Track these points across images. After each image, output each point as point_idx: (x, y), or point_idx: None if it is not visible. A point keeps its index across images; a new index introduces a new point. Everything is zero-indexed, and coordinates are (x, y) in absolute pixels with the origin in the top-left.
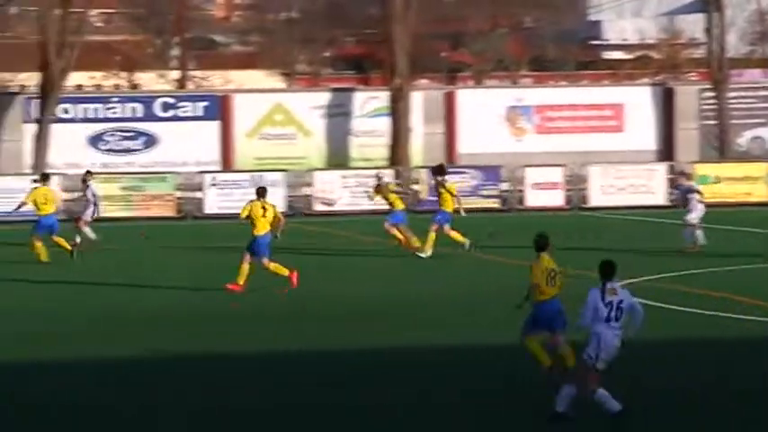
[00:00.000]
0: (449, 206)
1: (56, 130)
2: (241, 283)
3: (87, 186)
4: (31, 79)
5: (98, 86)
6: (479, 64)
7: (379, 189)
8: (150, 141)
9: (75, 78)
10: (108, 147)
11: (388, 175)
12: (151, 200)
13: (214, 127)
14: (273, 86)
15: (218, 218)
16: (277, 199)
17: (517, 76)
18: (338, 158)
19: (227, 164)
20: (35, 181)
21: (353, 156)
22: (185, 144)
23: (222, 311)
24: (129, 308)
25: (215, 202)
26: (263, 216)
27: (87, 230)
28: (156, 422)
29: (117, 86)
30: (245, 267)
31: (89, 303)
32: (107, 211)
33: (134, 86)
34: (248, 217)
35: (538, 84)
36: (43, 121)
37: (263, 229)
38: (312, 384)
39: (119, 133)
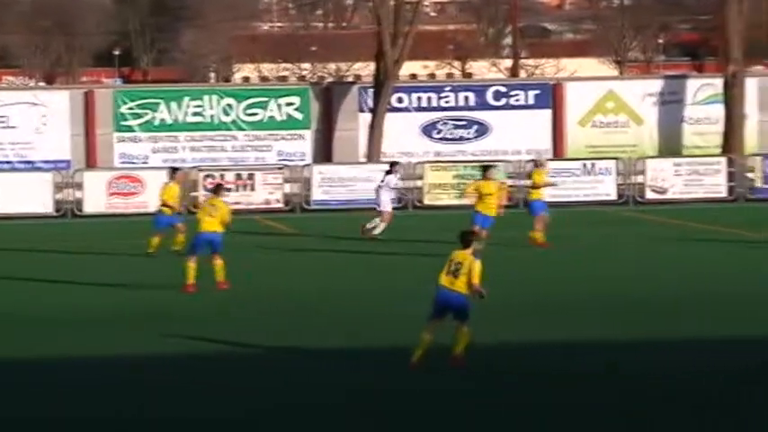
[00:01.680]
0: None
1: (389, 119)
2: (222, 279)
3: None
4: (365, 69)
5: (431, 75)
6: None
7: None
8: (482, 130)
9: (408, 68)
10: (441, 135)
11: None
12: None
13: (546, 115)
14: (605, 74)
15: (550, 206)
16: (608, 187)
17: None
18: (670, 146)
19: (558, 152)
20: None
21: (686, 143)
22: (517, 132)
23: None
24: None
25: (546, 190)
26: (210, 215)
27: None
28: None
29: (450, 75)
30: (217, 263)
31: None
32: (438, 199)
33: (466, 75)
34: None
35: None
36: (377, 111)
37: (207, 226)
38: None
39: (451, 122)
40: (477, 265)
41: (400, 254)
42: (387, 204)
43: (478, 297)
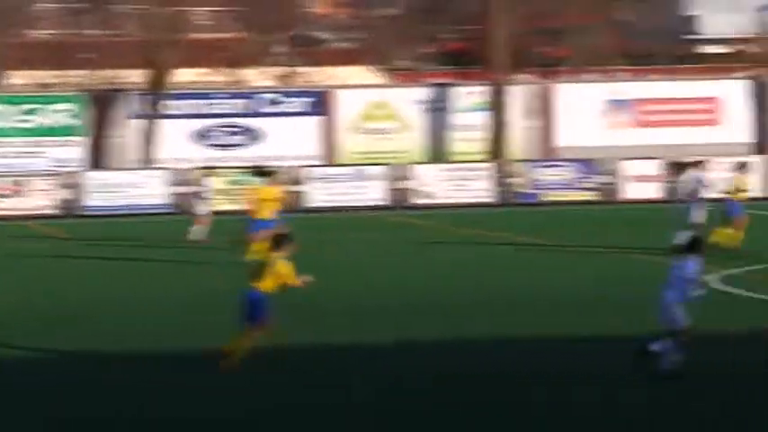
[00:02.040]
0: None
1: (162, 125)
2: None
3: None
4: (137, 76)
5: (204, 83)
6: (576, 58)
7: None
8: (254, 136)
9: (180, 75)
10: (213, 142)
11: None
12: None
13: (317, 122)
14: (375, 82)
15: (320, 211)
16: (377, 192)
17: (614, 70)
18: (438, 153)
19: (329, 158)
20: None
21: (453, 150)
22: (289, 139)
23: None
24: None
25: (318, 195)
26: None
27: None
28: None
29: (222, 83)
30: None
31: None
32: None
33: (238, 83)
34: None
35: (634, 78)
36: (149, 118)
37: None
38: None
39: (223, 129)
40: (281, 266)
41: (173, 260)
42: (206, 208)
43: (304, 285)
